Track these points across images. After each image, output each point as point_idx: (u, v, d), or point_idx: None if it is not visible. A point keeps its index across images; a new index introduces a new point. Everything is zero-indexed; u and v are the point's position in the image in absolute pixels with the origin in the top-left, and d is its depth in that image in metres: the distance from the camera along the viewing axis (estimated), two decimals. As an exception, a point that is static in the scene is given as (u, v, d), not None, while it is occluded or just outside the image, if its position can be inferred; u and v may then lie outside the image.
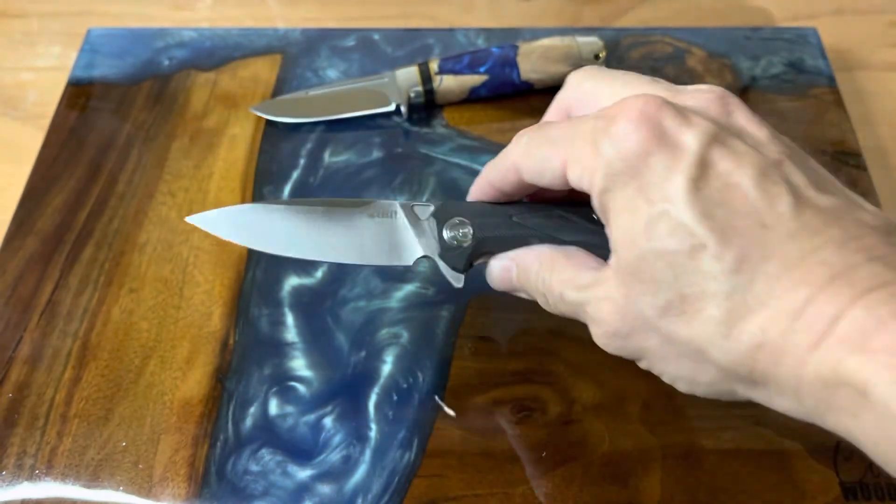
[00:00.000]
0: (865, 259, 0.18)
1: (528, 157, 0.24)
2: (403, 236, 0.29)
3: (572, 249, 0.26)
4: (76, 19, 0.52)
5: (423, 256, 0.29)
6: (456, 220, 0.28)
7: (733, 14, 0.52)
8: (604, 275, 0.23)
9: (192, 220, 0.30)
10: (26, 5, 0.53)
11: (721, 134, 0.21)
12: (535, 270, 0.26)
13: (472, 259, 0.28)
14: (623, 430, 0.31)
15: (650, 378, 0.33)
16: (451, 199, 0.29)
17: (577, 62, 0.42)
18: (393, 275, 0.36)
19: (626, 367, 0.33)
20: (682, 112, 0.21)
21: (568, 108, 0.26)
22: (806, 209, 0.20)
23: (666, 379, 0.24)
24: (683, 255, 0.20)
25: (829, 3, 0.52)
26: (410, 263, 0.29)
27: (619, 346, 0.24)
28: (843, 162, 0.40)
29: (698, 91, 0.23)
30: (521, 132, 0.25)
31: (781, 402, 0.20)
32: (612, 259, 0.23)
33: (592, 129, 0.22)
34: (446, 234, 0.28)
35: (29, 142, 0.44)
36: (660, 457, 0.31)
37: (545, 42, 0.43)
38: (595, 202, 0.23)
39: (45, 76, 0.48)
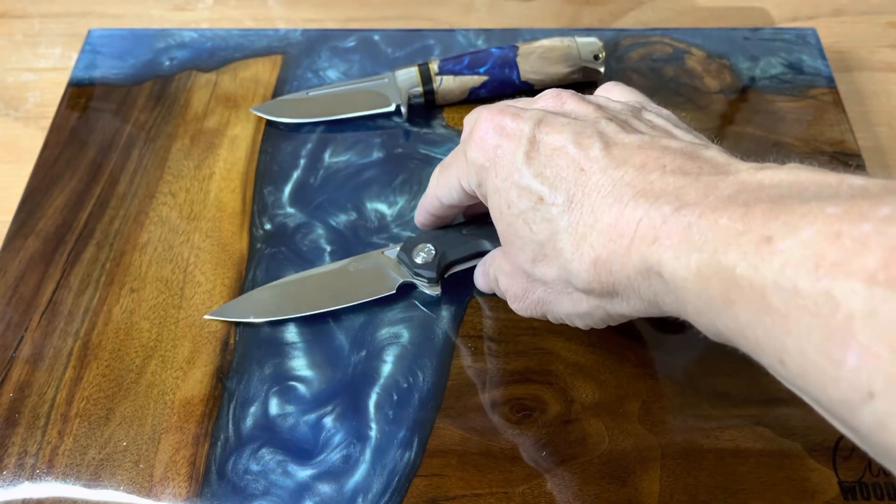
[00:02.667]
0: (660, 175, 0.23)
1: (439, 185, 0.32)
2: (383, 272, 0.35)
3: None
4: (77, 20, 0.52)
5: (403, 282, 0.35)
6: (420, 245, 0.34)
7: (732, 15, 0.52)
8: (499, 253, 0.31)
9: (211, 315, 0.35)
10: (27, 6, 0.53)
11: (547, 117, 0.27)
12: (481, 276, 0.33)
13: (441, 272, 0.34)
14: (622, 429, 0.31)
15: (650, 378, 0.33)
16: (412, 236, 0.36)
17: (577, 63, 0.42)
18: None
19: (625, 367, 0.33)
20: (517, 112, 0.27)
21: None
22: (613, 148, 0.25)
23: (566, 321, 0.29)
24: (531, 210, 0.26)
25: (829, 3, 0.52)
26: (394, 290, 0.35)
27: (524, 306, 0.30)
28: (842, 162, 0.40)
29: (542, 97, 0.29)
30: (436, 168, 0.33)
31: (635, 305, 0.24)
32: (499, 236, 0.29)
33: (462, 146, 0.29)
34: (417, 258, 0.34)
35: (30, 142, 0.44)
36: (659, 456, 0.31)
37: (545, 43, 0.43)
38: (479, 196, 0.29)
39: (46, 77, 0.48)
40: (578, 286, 0.25)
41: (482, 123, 0.28)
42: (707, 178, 0.22)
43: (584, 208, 0.24)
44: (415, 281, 0.35)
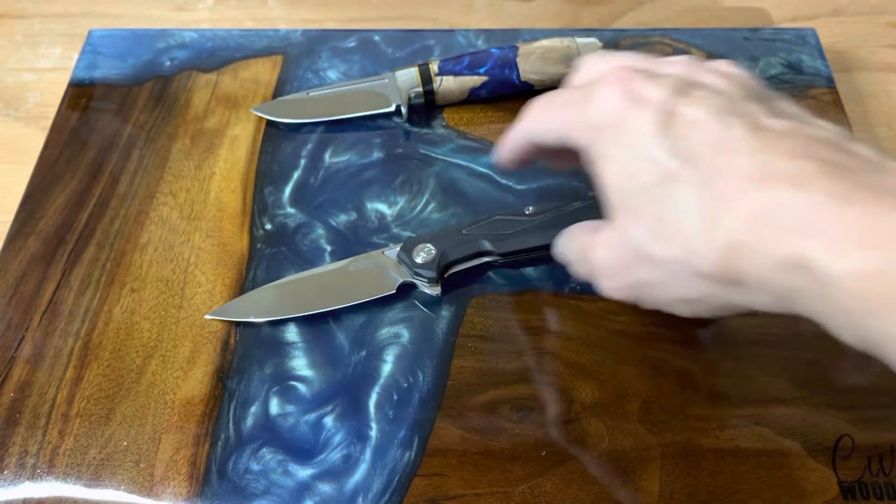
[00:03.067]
0: (812, 163, 0.21)
1: (536, 122, 0.29)
2: (383, 272, 0.35)
3: (587, 223, 0.30)
4: (77, 20, 0.52)
5: (403, 282, 0.34)
6: (420, 245, 0.34)
7: (732, 15, 0.52)
8: (600, 225, 0.28)
9: (212, 315, 0.35)
10: (28, 6, 0.53)
11: (684, 86, 0.25)
12: (566, 244, 0.31)
13: (441, 272, 0.34)
14: (622, 429, 0.32)
15: (649, 378, 0.33)
16: (412, 236, 0.36)
17: (577, 63, 0.42)
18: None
19: (625, 367, 0.33)
20: (650, 75, 0.25)
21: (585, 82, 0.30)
22: (760, 132, 0.23)
23: (666, 307, 0.27)
24: (658, 185, 0.24)
25: (828, 3, 0.52)
26: (394, 290, 0.34)
27: (618, 286, 0.28)
28: (842, 162, 0.41)
29: (671, 62, 0.27)
30: (532, 100, 0.30)
31: (760, 298, 0.23)
32: (606, 206, 0.27)
33: (581, 97, 0.27)
34: (417, 258, 0.34)
35: (31, 142, 0.44)
36: (659, 455, 0.31)
37: (544, 43, 0.43)
38: (585, 156, 0.27)
39: (46, 77, 0.49)
40: (702, 270, 0.23)
41: (610, 81, 0.25)
42: (865, 173, 0.21)
43: (722, 189, 0.22)
44: (415, 281, 0.35)
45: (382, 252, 0.36)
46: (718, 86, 0.25)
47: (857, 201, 0.20)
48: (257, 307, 0.35)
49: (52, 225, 0.39)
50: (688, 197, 0.23)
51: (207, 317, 0.35)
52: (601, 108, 0.25)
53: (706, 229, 0.23)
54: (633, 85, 0.25)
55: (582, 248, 0.29)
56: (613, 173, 0.26)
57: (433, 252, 0.34)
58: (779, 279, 0.22)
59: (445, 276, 0.35)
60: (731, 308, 0.25)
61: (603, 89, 0.25)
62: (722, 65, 0.27)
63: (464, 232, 0.35)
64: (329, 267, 0.36)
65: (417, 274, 0.34)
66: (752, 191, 0.22)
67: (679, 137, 0.24)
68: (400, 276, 0.35)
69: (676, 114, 0.24)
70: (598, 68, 0.29)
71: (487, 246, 0.35)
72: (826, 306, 0.21)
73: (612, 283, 0.28)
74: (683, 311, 0.27)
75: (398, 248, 0.35)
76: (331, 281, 0.35)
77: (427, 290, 0.35)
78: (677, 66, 0.27)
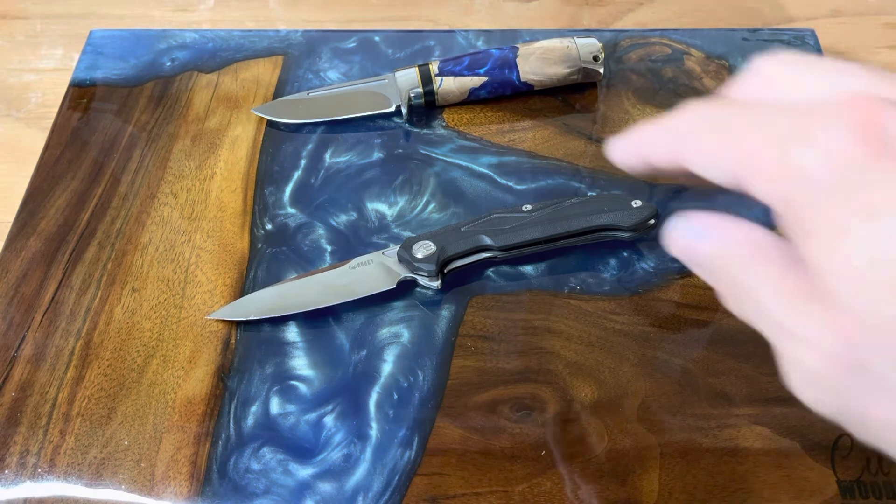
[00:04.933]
0: None
1: (697, 142, 0.20)
2: (383, 270, 0.35)
3: (786, 243, 0.19)
4: (79, 21, 0.52)
5: (403, 278, 0.35)
6: (420, 242, 0.35)
7: (731, 15, 0.52)
8: (812, 305, 0.18)
9: (213, 316, 0.35)
10: (29, 7, 0.53)
11: None
12: (739, 254, 0.20)
13: (440, 267, 0.35)
14: (622, 428, 0.32)
15: (649, 377, 0.33)
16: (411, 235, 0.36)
17: (576, 64, 0.43)
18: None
19: (625, 367, 0.33)
20: None
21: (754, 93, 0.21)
22: None
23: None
24: None
25: (827, 4, 0.52)
26: (394, 286, 0.35)
27: (824, 401, 0.19)
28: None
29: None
30: (689, 108, 0.20)
31: None
32: (821, 289, 0.17)
33: (792, 131, 0.18)
34: (417, 254, 0.35)
35: (32, 142, 0.44)
36: (658, 455, 0.31)
37: (544, 44, 0.43)
38: (783, 217, 0.18)
39: (48, 77, 0.49)
40: None
41: (847, 115, 0.17)
42: None
43: None
44: (415, 276, 0.35)
45: (382, 252, 0.36)
46: None
47: None
48: (258, 306, 0.35)
49: (53, 225, 0.39)
50: None
51: (209, 318, 0.35)
52: (831, 153, 0.17)
53: None
54: (889, 129, 0.16)
55: (777, 308, 0.19)
56: (845, 256, 0.16)
57: (433, 248, 0.35)
58: None
59: (445, 271, 0.35)
60: None
61: (837, 126, 0.17)
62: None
63: (462, 229, 0.35)
64: (329, 267, 0.36)
65: (417, 269, 0.35)
66: None
67: None
68: (400, 272, 0.35)
69: None
70: (813, 85, 0.20)
71: (486, 240, 0.35)
72: None
73: (812, 392, 0.19)
74: None
75: (398, 247, 0.36)
76: (331, 279, 0.35)
77: (427, 284, 0.35)
78: None
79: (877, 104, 0.17)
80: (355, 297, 0.35)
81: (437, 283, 0.35)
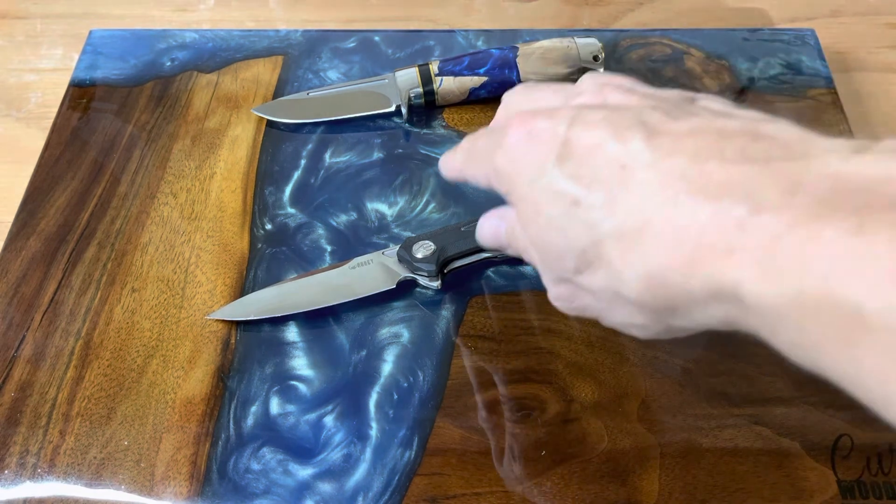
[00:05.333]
0: (720, 163, 0.19)
1: (466, 167, 0.29)
2: (383, 270, 0.35)
3: None
4: (78, 21, 0.52)
5: (403, 278, 0.35)
6: (420, 242, 0.35)
7: (731, 15, 0.52)
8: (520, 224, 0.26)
9: (213, 316, 0.35)
10: (29, 7, 0.53)
11: (580, 114, 0.23)
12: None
13: (440, 266, 0.35)
14: (622, 428, 0.32)
15: (649, 377, 0.33)
16: (411, 235, 0.37)
17: (576, 63, 0.43)
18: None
19: (625, 367, 0.33)
20: (550, 114, 0.24)
21: (507, 116, 0.29)
22: (658, 137, 0.21)
23: (623, 330, 0.25)
24: (566, 215, 0.22)
25: (827, 4, 0.52)
26: (394, 286, 0.35)
27: (568, 309, 0.26)
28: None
29: (584, 89, 0.26)
30: (466, 139, 0.29)
31: (700, 321, 0.20)
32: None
33: (492, 145, 0.26)
34: (417, 254, 0.34)
35: (32, 142, 0.44)
36: (658, 455, 0.31)
37: (544, 44, 0.43)
38: (508, 202, 0.26)
39: (47, 77, 0.49)
40: (630, 298, 0.22)
41: (513, 129, 0.24)
42: (781, 166, 0.18)
43: (629, 209, 0.20)
44: (415, 276, 0.35)
45: (382, 252, 0.36)
46: (623, 103, 0.24)
47: (775, 207, 0.17)
48: (258, 306, 0.35)
49: (53, 225, 0.39)
50: (599, 223, 0.21)
51: (209, 318, 0.35)
52: (507, 155, 0.25)
53: (623, 255, 0.21)
54: (534, 124, 0.24)
55: (509, 242, 0.28)
56: (523, 214, 0.25)
57: (432, 247, 0.34)
58: (710, 307, 0.19)
59: (445, 271, 0.35)
60: (681, 331, 0.22)
61: (508, 137, 0.25)
62: (627, 82, 0.25)
63: (462, 229, 0.35)
64: (329, 268, 0.36)
65: (417, 269, 0.35)
66: (658, 206, 0.19)
67: (577, 164, 0.22)
68: (400, 272, 0.35)
69: (572, 140, 0.22)
70: (505, 113, 0.28)
71: None
72: (769, 334, 0.18)
73: (562, 305, 0.26)
74: (637, 334, 0.24)
75: (398, 248, 0.36)
76: (331, 279, 0.35)
77: (427, 283, 0.35)
78: (587, 95, 0.25)
79: (529, 115, 0.24)
80: (355, 297, 0.35)
81: (436, 284, 0.35)
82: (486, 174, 0.27)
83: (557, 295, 0.26)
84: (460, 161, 0.29)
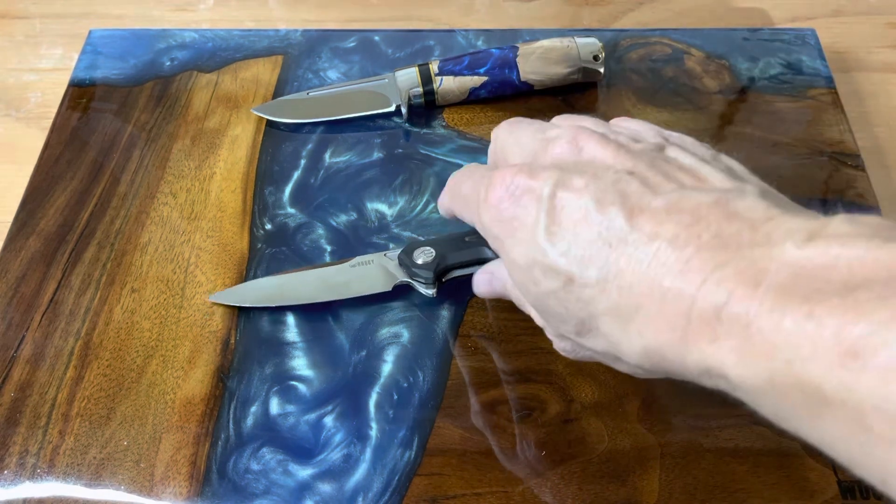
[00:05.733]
0: (696, 250, 0.20)
1: (454, 207, 0.30)
2: (381, 271, 0.35)
3: None
4: (78, 21, 0.52)
5: (400, 283, 0.35)
6: (421, 248, 0.34)
7: (732, 15, 0.52)
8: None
9: (214, 298, 0.35)
10: (29, 7, 0.53)
11: (563, 178, 0.24)
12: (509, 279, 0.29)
13: (438, 275, 0.34)
14: (622, 428, 0.32)
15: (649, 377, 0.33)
16: (415, 239, 0.37)
17: (576, 63, 0.43)
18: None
19: (625, 367, 0.33)
20: (531, 173, 0.24)
21: (495, 159, 0.30)
22: (639, 217, 0.22)
23: (629, 373, 0.26)
24: (562, 290, 0.23)
25: (828, 4, 0.52)
26: (390, 289, 0.35)
27: (573, 358, 0.27)
28: (842, 162, 0.41)
29: (557, 140, 0.26)
30: (452, 178, 0.30)
31: (700, 381, 0.21)
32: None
33: (476, 196, 0.26)
34: (417, 259, 0.34)
35: (31, 142, 0.44)
36: (658, 455, 0.31)
37: (544, 43, 0.43)
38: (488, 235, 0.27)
39: (47, 77, 0.49)
40: (633, 363, 0.23)
41: (495, 187, 0.25)
42: (748, 253, 0.19)
43: (621, 289, 0.21)
44: (411, 282, 0.35)
45: (384, 254, 0.36)
46: (597, 158, 0.24)
47: (746, 297, 0.18)
48: (256, 294, 0.35)
49: (52, 225, 0.39)
50: (594, 301, 0.22)
51: (210, 299, 0.35)
52: (493, 214, 0.25)
53: (621, 330, 0.22)
54: (513, 183, 0.24)
55: (512, 298, 0.29)
56: (518, 279, 0.25)
57: (433, 255, 0.34)
58: (704, 380, 0.21)
59: (444, 279, 0.35)
60: (679, 376, 0.23)
61: (492, 193, 0.25)
62: (599, 126, 0.26)
63: (466, 240, 0.35)
64: (330, 263, 0.36)
65: (415, 274, 0.34)
66: (648, 289, 0.21)
67: (567, 237, 0.23)
68: (398, 276, 0.35)
69: (558, 211, 0.23)
70: (495, 150, 0.29)
71: (489, 254, 0.34)
72: (756, 407, 0.20)
73: (570, 357, 0.28)
74: (642, 375, 0.25)
75: (400, 251, 0.35)
76: (330, 276, 0.35)
77: (422, 291, 0.35)
78: (563, 144, 0.25)
79: (510, 173, 0.25)
80: (351, 296, 0.35)
81: (432, 292, 0.35)
82: (472, 221, 0.28)
83: (561, 348, 0.27)
84: (447, 201, 0.31)
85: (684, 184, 0.23)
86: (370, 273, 0.35)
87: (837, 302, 0.17)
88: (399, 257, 0.35)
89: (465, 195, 0.28)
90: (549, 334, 0.28)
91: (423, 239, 0.37)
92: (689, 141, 0.26)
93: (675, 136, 0.26)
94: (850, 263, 0.17)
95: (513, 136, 0.28)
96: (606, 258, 0.22)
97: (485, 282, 0.31)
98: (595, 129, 0.26)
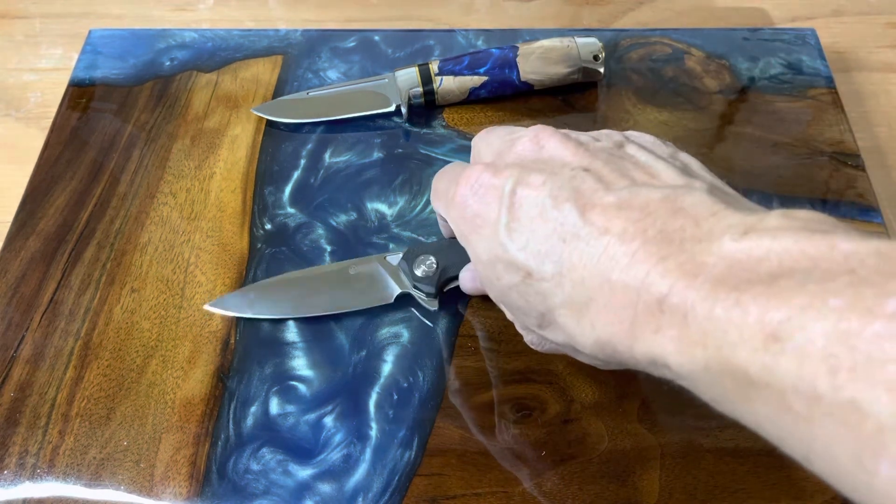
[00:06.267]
0: (642, 244, 0.21)
1: (433, 201, 0.31)
2: (382, 281, 0.35)
3: None
4: (78, 20, 0.52)
5: (402, 293, 0.34)
6: (422, 256, 0.34)
7: (732, 15, 0.52)
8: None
9: (209, 307, 0.35)
10: (29, 7, 0.53)
11: (522, 175, 0.25)
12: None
13: (440, 285, 0.34)
14: (622, 428, 0.32)
15: (649, 377, 0.33)
16: (416, 245, 0.36)
17: (576, 63, 0.43)
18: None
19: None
20: (497, 170, 0.26)
21: (472, 162, 0.31)
22: (591, 212, 0.23)
23: (590, 363, 0.27)
24: (522, 284, 0.24)
25: (828, 4, 0.52)
26: (392, 301, 0.34)
27: (540, 350, 0.29)
28: (842, 162, 0.41)
29: (521, 138, 0.27)
30: (437, 175, 0.31)
31: (652, 371, 0.22)
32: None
33: (447, 193, 0.28)
34: (417, 271, 0.34)
35: (31, 142, 0.44)
36: (658, 455, 0.31)
37: (544, 43, 0.43)
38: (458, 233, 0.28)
39: (47, 77, 0.49)
40: (587, 354, 0.24)
41: (462, 185, 0.26)
42: (690, 247, 0.20)
43: (574, 282, 0.22)
44: (413, 293, 0.34)
45: (385, 257, 0.36)
46: (556, 156, 0.25)
47: (684, 289, 0.19)
48: (255, 303, 0.35)
49: (52, 225, 0.39)
50: (551, 294, 0.23)
51: (206, 307, 0.35)
52: (459, 211, 0.26)
53: (576, 322, 0.23)
54: (476, 179, 0.26)
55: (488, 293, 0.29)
56: (483, 274, 0.26)
57: (434, 266, 0.34)
58: (650, 369, 0.21)
59: (445, 290, 0.35)
60: (632, 367, 0.24)
61: (459, 192, 0.26)
62: (563, 136, 0.27)
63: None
64: (329, 267, 0.36)
65: (416, 287, 0.34)
66: (598, 283, 0.22)
67: (525, 233, 0.24)
68: (399, 287, 0.35)
69: (519, 208, 0.24)
70: (473, 155, 0.30)
71: None
72: (696, 392, 0.20)
73: (537, 349, 0.29)
74: (603, 368, 0.27)
75: (400, 256, 0.35)
76: (330, 285, 0.35)
77: (425, 304, 0.34)
78: (525, 142, 0.26)
79: (475, 173, 0.26)
80: (352, 309, 0.35)
81: (434, 307, 0.34)
82: (446, 216, 0.28)
83: (529, 340, 0.29)
84: (432, 198, 0.31)
85: (637, 180, 0.23)
86: (371, 284, 0.35)
87: (762, 290, 0.18)
88: (400, 264, 0.35)
89: (441, 193, 0.29)
90: (518, 327, 0.29)
91: (423, 240, 0.37)
92: (648, 139, 0.27)
93: (635, 134, 0.27)
94: (779, 255, 0.18)
95: (485, 140, 0.29)
96: (561, 253, 0.23)
97: (469, 279, 0.33)
98: (559, 129, 0.27)
